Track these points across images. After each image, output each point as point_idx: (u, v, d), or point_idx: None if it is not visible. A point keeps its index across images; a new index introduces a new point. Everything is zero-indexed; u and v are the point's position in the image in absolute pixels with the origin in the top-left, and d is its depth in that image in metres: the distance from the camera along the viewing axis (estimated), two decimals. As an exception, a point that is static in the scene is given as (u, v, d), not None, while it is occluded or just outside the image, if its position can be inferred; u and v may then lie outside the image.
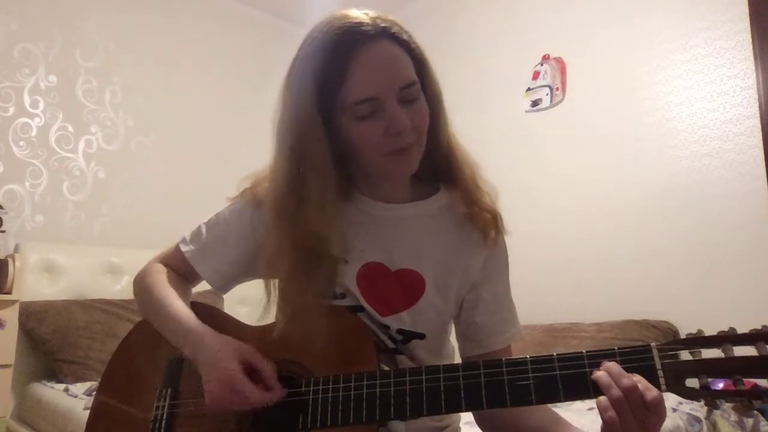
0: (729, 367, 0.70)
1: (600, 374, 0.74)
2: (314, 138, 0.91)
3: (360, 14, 0.91)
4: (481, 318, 1.05)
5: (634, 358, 0.75)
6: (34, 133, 3.09)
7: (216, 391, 0.88)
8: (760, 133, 2.46)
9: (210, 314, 1.08)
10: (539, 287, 3.04)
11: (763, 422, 2.10)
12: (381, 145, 0.91)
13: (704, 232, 2.59)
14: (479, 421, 1.06)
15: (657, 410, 0.72)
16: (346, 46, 0.88)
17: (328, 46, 0.89)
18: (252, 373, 0.89)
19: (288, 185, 0.93)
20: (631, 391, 0.71)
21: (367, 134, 0.90)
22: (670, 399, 2.02)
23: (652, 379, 0.73)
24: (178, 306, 1.01)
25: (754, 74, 2.50)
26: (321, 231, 0.92)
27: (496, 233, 1.03)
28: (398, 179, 1.02)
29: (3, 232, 2.78)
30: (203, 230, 1.09)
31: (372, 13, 0.92)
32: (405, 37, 0.93)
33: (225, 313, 1.14)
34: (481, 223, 1.02)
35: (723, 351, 0.71)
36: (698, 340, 0.73)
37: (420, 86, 0.93)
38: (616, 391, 0.72)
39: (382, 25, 0.90)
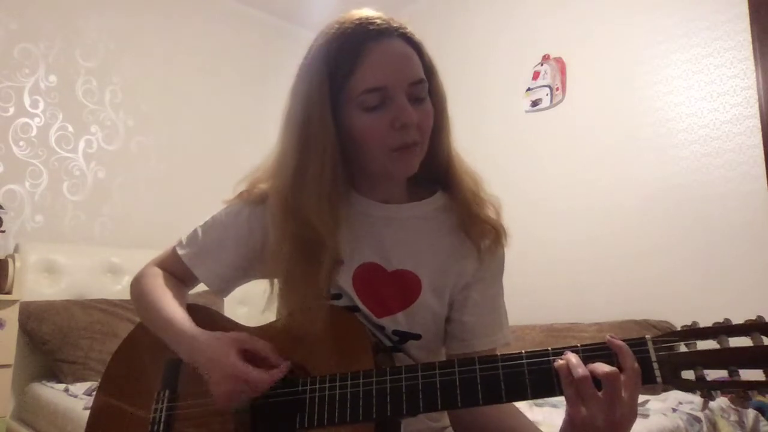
0: (724, 358, 0.69)
1: (560, 364, 0.76)
2: (322, 125, 0.91)
3: (375, 14, 0.94)
4: (468, 318, 1.03)
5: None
6: (34, 133, 3.09)
7: (224, 388, 0.88)
8: (760, 133, 2.46)
9: (207, 316, 1.08)
10: (539, 287, 3.04)
11: (763, 422, 2.10)
12: (385, 139, 0.91)
13: (704, 232, 2.59)
14: (455, 427, 1.06)
15: (612, 398, 0.72)
16: (361, 36, 0.90)
17: (343, 35, 0.91)
18: (252, 358, 0.90)
19: (294, 173, 0.93)
20: (582, 382, 0.73)
21: (372, 126, 0.90)
22: (670, 399, 2.02)
23: (648, 371, 0.72)
24: (173, 310, 1.01)
25: (754, 74, 2.50)
26: (322, 221, 0.92)
27: (494, 244, 1.03)
28: (398, 179, 1.01)
29: (3, 232, 2.79)
30: (199, 233, 1.09)
31: (385, 16, 0.94)
32: (416, 40, 0.95)
33: (222, 314, 1.14)
34: (475, 235, 1.01)
35: (718, 342, 0.70)
36: (693, 332, 0.72)
37: (428, 88, 0.94)
38: (573, 386, 0.73)
39: (395, 25, 0.93)
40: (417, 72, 0.92)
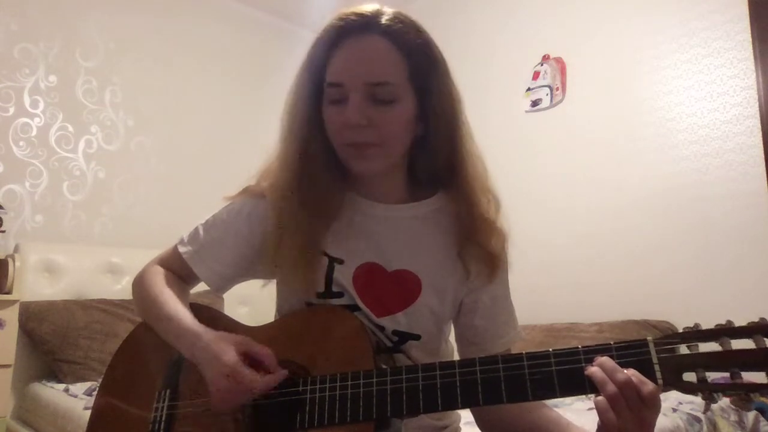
0: (726, 361, 0.69)
1: (593, 370, 0.74)
2: (307, 118, 0.95)
3: (368, 8, 0.93)
4: (480, 321, 1.04)
5: (631, 353, 0.74)
6: (34, 133, 3.09)
7: (221, 387, 0.87)
8: (760, 133, 2.47)
9: (209, 316, 1.07)
10: (539, 287, 3.03)
11: (763, 422, 2.10)
12: (338, 134, 0.94)
13: (704, 232, 2.59)
14: (479, 423, 1.06)
15: (653, 404, 0.71)
16: (340, 31, 0.93)
17: (327, 29, 0.94)
18: (252, 361, 0.89)
19: (288, 168, 0.97)
20: (625, 386, 0.71)
21: (330, 119, 0.94)
22: (670, 399, 2.02)
23: (649, 373, 0.72)
24: (175, 307, 1.01)
25: (754, 74, 2.51)
26: (315, 215, 0.94)
27: (494, 248, 1.01)
28: (360, 176, 1.00)
29: (3, 232, 2.78)
30: (201, 231, 1.08)
31: (380, 8, 0.94)
32: (407, 37, 0.92)
33: (223, 314, 1.14)
34: (475, 239, 1.00)
35: (720, 344, 0.70)
36: (695, 334, 0.72)
37: (404, 90, 0.92)
38: (611, 387, 0.71)
39: (384, 21, 0.91)
40: (381, 72, 0.90)
